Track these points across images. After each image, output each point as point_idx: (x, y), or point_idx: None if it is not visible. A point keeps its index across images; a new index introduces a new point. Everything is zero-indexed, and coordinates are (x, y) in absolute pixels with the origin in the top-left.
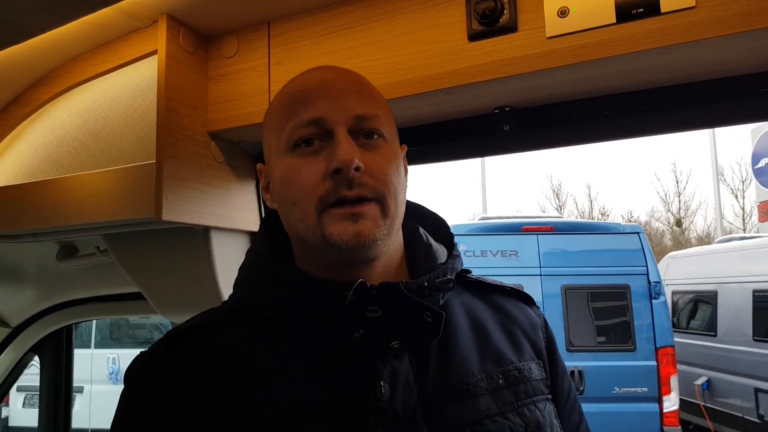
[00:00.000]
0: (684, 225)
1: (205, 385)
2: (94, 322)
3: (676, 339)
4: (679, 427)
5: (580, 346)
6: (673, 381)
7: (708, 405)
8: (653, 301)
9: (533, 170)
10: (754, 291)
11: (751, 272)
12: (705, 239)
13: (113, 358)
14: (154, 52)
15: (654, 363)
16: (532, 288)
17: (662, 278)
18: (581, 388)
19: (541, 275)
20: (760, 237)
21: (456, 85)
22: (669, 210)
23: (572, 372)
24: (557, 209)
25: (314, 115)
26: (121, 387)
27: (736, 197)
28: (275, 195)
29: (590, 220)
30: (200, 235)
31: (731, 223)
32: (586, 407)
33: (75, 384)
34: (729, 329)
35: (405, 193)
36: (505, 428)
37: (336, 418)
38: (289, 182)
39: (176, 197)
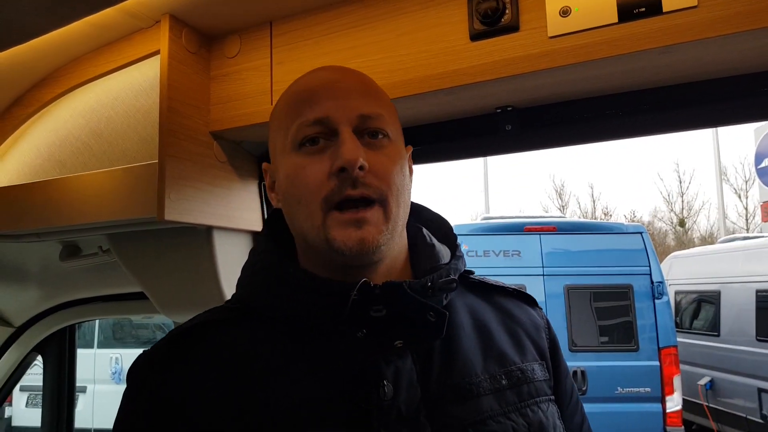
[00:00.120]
0: (687, 225)
1: (207, 385)
2: (97, 321)
3: (679, 339)
4: (682, 427)
5: (582, 346)
6: (676, 381)
7: (711, 405)
8: (656, 301)
9: (536, 170)
10: (758, 291)
11: (755, 272)
12: (708, 239)
13: (116, 358)
14: (157, 52)
15: (657, 363)
16: (535, 288)
17: (665, 278)
18: (584, 388)
19: (543, 275)
20: (763, 237)
21: (458, 85)
22: (672, 210)
23: (575, 372)
24: (560, 209)
25: (319, 114)
26: (123, 387)
27: (739, 197)
28: (280, 194)
29: (593, 220)
30: (203, 235)
31: (734, 223)
32: (588, 407)
33: (78, 384)
34: (732, 329)
35: (409, 193)
36: (507, 429)
37: (339, 418)
38: (294, 181)
39: (179, 197)
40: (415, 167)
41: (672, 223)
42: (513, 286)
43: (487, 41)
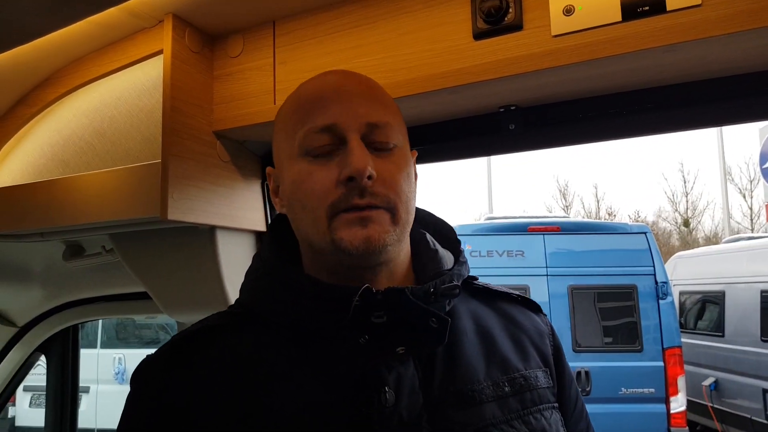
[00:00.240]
0: (691, 225)
1: (211, 389)
2: (100, 322)
3: (683, 339)
4: (687, 428)
5: (586, 347)
6: (681, 382)
7: (716, 406)
8: (660, 301)
9: (539, 170)
10: (762, 291)
11: (759, 272)
12: (713, 239)
13: (119, 358)
14: (160, 52)
15: (661, 363)
16: (539, 288)
17: (669, 278)
18: (588, 389)
19: (547, 275)
20: None
21: (461, 84)
22: (676, 210)
23: (579, 373)
24: (564, 209)
25: (327, 121)
26: (127, 387)
27: (744, 197)
28: (285, 199)
29: (597, 220)
30: (206, 235)
31: (739, 223)
32: (592, 408)
33: (81, 384)
34: (737, 330)
35: (415, 199)
36: None
37: (340, 423)
38: (300, 187)
39: (182, 196)
40: (418, 167)
41: (676, 223)
42: (517, 293)
43: (490, 40)
